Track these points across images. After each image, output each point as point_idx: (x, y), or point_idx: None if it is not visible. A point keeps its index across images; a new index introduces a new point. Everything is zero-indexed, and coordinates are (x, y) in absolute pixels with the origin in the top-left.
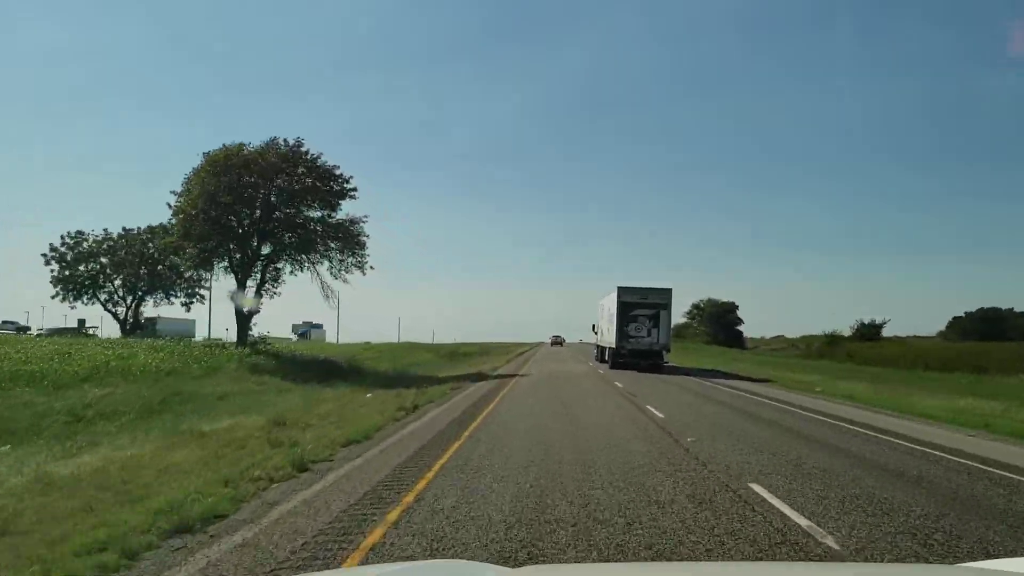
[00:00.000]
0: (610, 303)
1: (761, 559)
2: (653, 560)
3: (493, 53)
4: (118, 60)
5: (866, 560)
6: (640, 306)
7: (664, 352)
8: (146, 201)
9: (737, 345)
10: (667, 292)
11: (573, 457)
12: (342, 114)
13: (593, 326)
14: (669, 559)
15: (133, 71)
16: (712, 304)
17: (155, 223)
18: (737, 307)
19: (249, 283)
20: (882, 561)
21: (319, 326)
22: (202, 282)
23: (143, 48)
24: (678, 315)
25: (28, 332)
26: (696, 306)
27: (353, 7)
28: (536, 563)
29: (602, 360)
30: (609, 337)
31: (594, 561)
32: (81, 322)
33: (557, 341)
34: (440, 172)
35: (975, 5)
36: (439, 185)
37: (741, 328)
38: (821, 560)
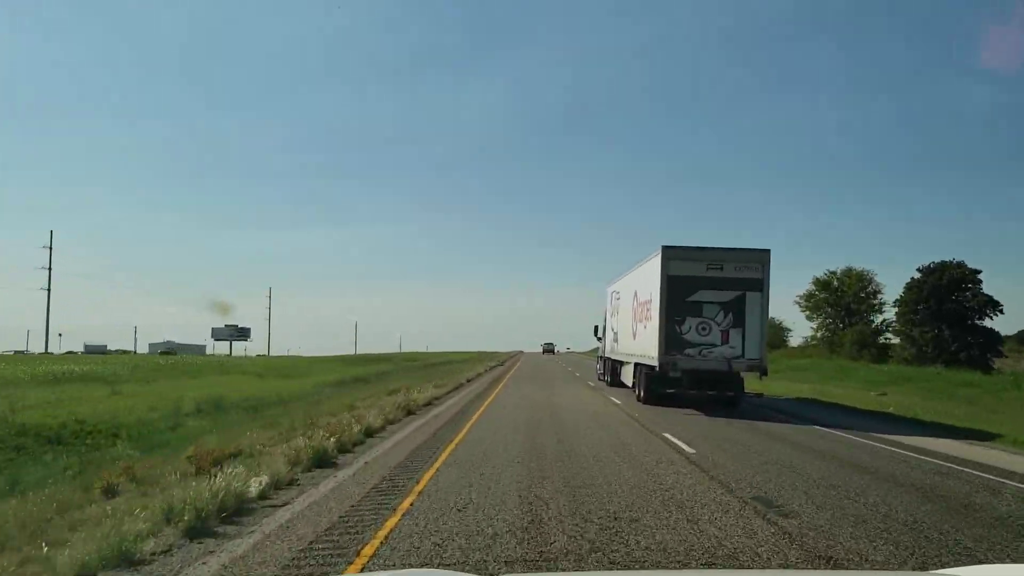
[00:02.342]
0: (640, 283)
1: None
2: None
3: (467, 64)
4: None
5: None
6: (709, 284)
7: (754, 374)
8: None
9: (977, 363)
10: (761, 257)
11: None
12: (310, 121)
13: (596, 329)
14: None
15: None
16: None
17: None
18: (979, 276)
19: None
20: None
21: (245, 331)
22: None
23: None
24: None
25: None
26: (824, 283)
27: (326, 17)
28: None
29: (615, 381)
30: (638, 344)
31: None
32: None
33: (548, 349)
34: (421, 180)
35: (949, 17)
36: (424, 191)
37: (993, 324)
38: None
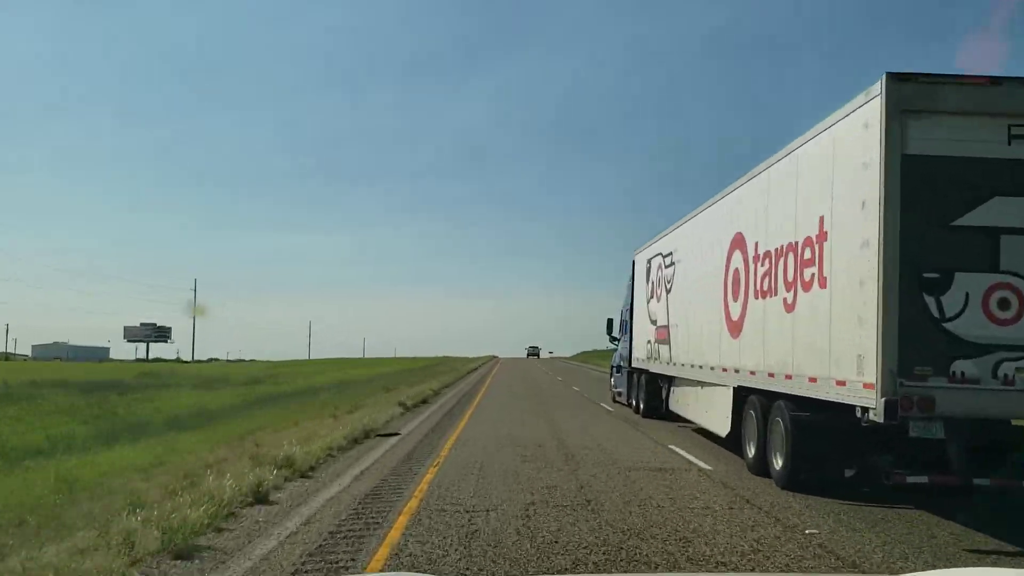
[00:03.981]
0: (763, 207)
1: None
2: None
3: (459, 71)
4: None
5: None
6: (1018, 181)
7: None
8: None
9: None
10: None
11: None
12: (299, 126)
13: (609, 324)
14: None
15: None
16: None
17: None
18: None
19: None
20: None
21: (164, 331)
22: None
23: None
24: None
25: None
26: None
27: (327, 23)
28: None
29: (653, 408)
30: (750, 348)
31: None
32: None
33: (532, 352)
34: (397, 184)
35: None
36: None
37: None
38: None
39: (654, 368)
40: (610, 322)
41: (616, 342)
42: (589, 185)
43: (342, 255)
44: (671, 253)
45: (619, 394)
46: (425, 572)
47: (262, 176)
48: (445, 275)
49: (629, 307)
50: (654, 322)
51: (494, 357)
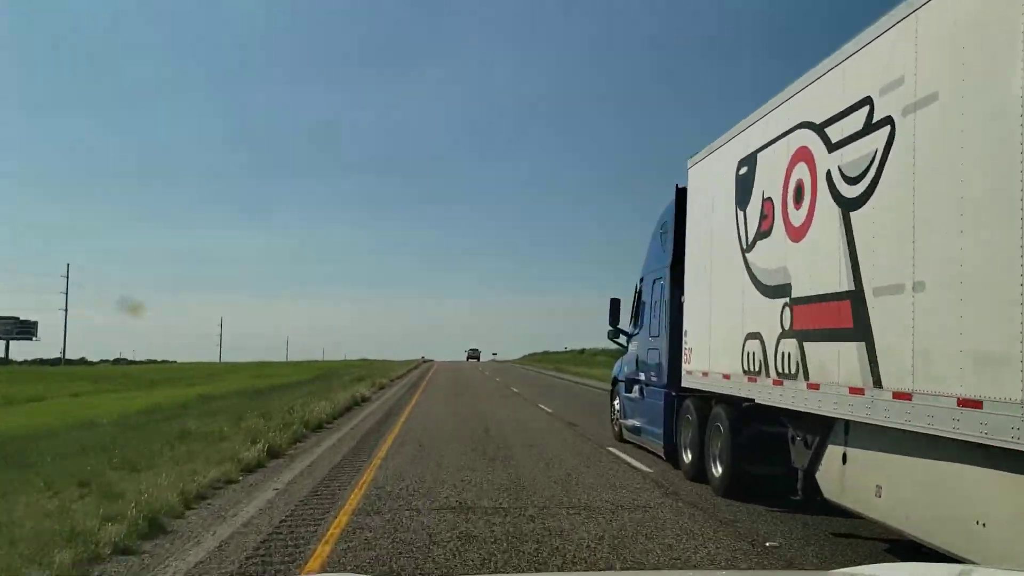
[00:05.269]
0: None
1: None
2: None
3: (397, 67)
4: None
5: None
6: None
7: None
8: None
9: None
10: None
11: None
12: (224, 119)
13: (613, 309)
14: None
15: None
16: None
17: None
18: None
19: None
20: None
21: (28, 325)
22: None
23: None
24: None
25: None
26: None
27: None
28: None
29: (741, 478)
30: None
31: None
32: None
33: (473, 355)
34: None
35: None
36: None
37: None
38: None
39: (767, 396)
40: (615, 305)
41: (623, 339)
42: (528, 184)
43: (264, 253)
44: (881, 93)
45: (632, 430)
46: (363, 572)
47: (175, 170)
48: (377, 275)
49: (665, 272)
50: (773, 290)
51: (426, 360)
